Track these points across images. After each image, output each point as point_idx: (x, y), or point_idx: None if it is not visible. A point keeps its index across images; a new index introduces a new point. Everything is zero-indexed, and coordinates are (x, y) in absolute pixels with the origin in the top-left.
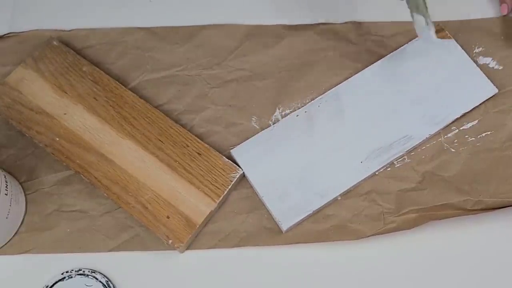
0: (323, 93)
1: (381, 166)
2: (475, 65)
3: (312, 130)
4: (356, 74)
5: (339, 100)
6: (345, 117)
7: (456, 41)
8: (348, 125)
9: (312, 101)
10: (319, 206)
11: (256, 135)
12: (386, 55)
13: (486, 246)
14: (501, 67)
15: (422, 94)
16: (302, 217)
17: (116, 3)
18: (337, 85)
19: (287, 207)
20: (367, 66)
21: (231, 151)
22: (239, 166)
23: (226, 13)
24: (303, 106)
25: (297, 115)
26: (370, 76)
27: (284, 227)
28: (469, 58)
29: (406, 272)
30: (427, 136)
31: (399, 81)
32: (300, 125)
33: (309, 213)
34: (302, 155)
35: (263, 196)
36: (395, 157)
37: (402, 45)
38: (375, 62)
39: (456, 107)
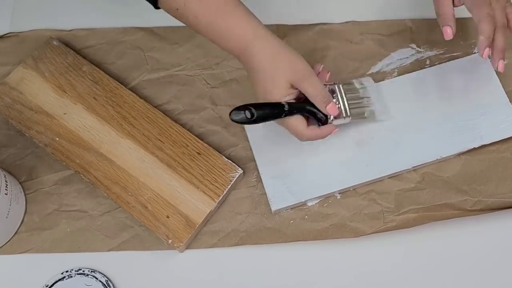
0: None
1: (383, 175)
2: (507, 100)
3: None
4: (392, 78)
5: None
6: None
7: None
8: (364, 127)
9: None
10: (313, 197)
11: None
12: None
13: (486, 246)
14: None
15: (447, 117)
16: (293, 203)
17: (116, 3)
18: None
19: (282, 190)
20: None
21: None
22: (248, 140)
23: None
24: None
25: None
26: (402, 83)
27: (274, 207)
28: (504, 94)
29: (405, 271)
30: (439, 158)
31: (430, 97)
32: None
33: (301, 201)
34: (311, 144)
35: (262, 173)
36: (400, 170)
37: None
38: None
39: (476, 138)
